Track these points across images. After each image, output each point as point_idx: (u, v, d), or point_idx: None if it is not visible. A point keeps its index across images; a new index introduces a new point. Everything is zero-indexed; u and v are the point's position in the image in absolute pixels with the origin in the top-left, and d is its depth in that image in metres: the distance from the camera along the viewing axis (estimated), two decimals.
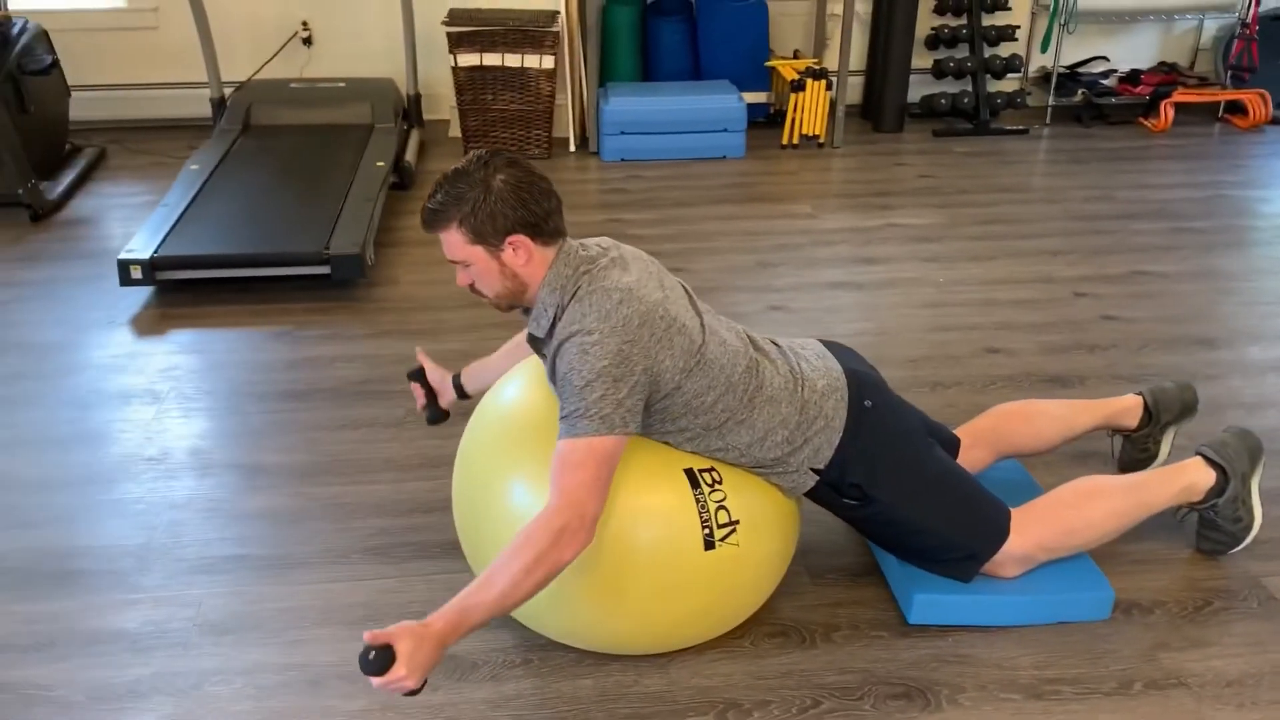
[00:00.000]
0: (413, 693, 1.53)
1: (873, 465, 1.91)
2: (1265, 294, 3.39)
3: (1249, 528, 2.14)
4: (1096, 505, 2.01)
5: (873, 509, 1.93)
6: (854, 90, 5.23)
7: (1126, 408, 2.34)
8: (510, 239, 1.73)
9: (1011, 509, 2.01)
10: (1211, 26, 5.39)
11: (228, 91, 4.63)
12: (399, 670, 1.49)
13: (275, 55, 4.90)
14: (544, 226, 1.75)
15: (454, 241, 1.75)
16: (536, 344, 1.84)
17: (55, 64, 4.34)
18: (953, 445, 2.20)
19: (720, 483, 1.83)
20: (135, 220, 3.89)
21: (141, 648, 1.97)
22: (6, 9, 4.32)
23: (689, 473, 1.82)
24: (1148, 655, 1.94)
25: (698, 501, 1.79)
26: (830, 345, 2.07)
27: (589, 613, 1.80)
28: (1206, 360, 2.98)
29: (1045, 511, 2.00)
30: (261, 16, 4.90)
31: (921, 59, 5.15)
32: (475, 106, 4.61)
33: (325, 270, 3.32)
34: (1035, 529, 1.98)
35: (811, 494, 1.94)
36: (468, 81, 4.57)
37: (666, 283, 1.85)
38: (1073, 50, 5.28)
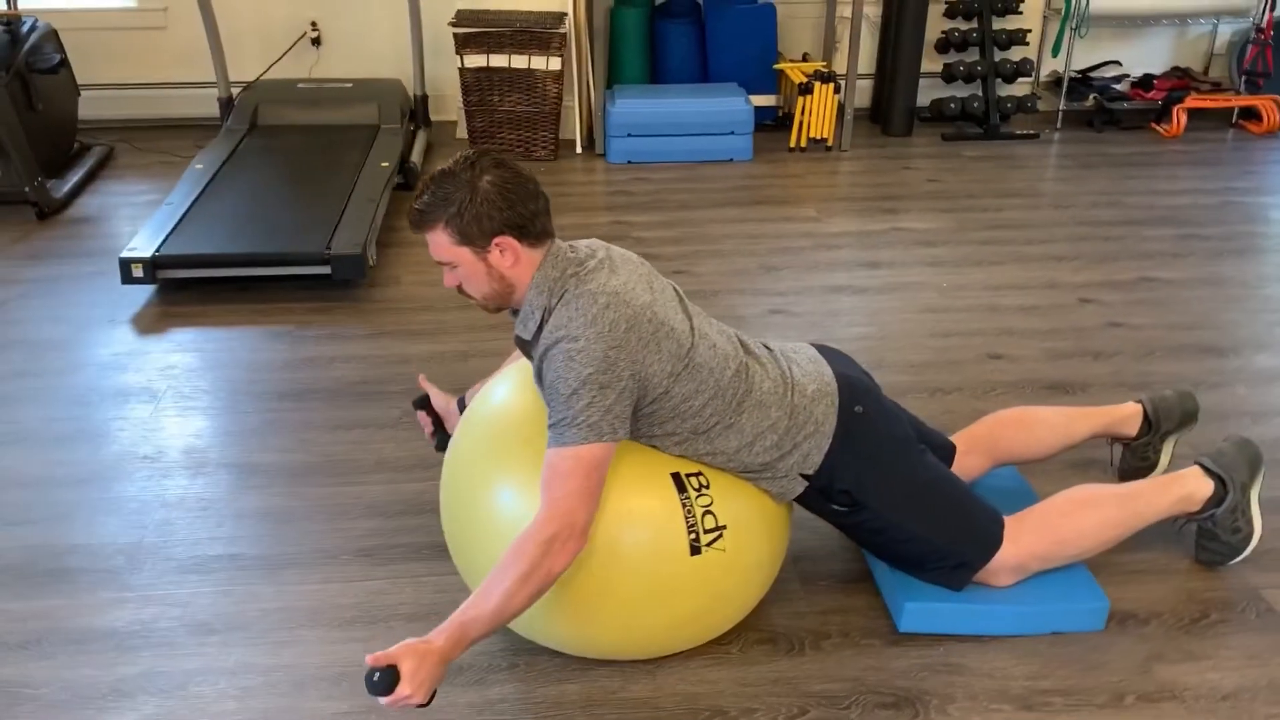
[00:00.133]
0: (423, 705, 1.56)
1: (862, 471, 1.89)
2: (1274, 302, 3.35)
3: (1248, 539, 2.11)
4: (1091, 515, 1.98)
5: (862, 515, 1.91)
6: (863, 94, 5.20)
7: (1126, 416, 2.31)
8: (497, 240, 1.72)
9: (1005, 517, 1.99)
10: (1226, 31, 5.34)
11: (235, 91, 4.64)
12: (404, 689, 1.51)
13: (284, 55, 4.92)
14: (531, 228, 1.74)
15: (440, 243, 1.74)
16: (524, 346, 1.83)
17: (64, 63, 4.36)
18: (948, 452, 2.17)
19: (707, 487, 1.81)
20: (141, 219, 3.90)
21: (128, 647, 1.96)
22: (16, 8, 4.34)
23: (675, 477, 1.80)
24: (1142, 667, 1.92)
25: (684, 506, 1.78)
26: (823, 350, 2.05)
27: (573, 617, 1.79)
28: (1212, 368, 2.95)
29: (1039, 520, 1.98)
30: (271, 17, 4.91)
31: (931, 63, 5.12)
32: (482, 108, 4.61)
33: (326, 270, 3.32)
34: (1028, 538, 1.96)
35: (801, 500, 1.92)
36: (474, 82, 4.56)
37: (656, 285, 1.83)
38: (1084, 54, 5.24)
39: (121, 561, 2.19)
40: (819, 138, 4.78)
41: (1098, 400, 2.73)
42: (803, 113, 4.72)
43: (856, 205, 4.17)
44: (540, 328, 1.75)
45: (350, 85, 4.68)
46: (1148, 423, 2.31)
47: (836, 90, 4.70)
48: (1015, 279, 3.51)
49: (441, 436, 2.23)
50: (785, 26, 5.09)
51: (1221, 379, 2.89)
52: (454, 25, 4.50)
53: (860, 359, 2.91)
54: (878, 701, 1.84)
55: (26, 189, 3.91)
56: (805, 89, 4.67)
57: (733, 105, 4.61)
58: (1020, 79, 5.12)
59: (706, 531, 1.78)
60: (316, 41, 4.97)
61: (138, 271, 3.26)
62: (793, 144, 4.79)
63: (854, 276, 3.53)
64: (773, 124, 5.05)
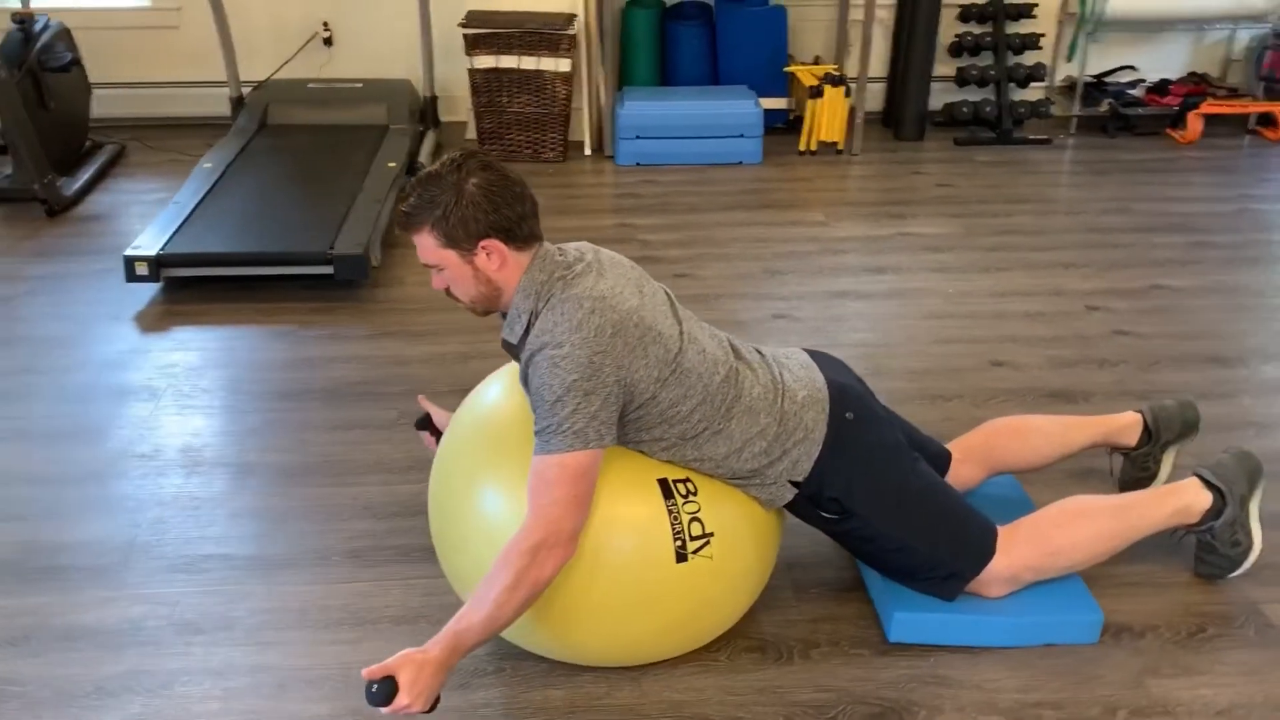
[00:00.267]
0: (426, 713, 1.58)
1: (853, 479, 1.87)
2: None
3: (1248, 552, 2.08)
4: (1085, 526, 1.96)
5: (852, 524, 1.89)
6: (875, 97, 5.17)
7: (1125, 425, 2.28)
8: (483, 243, 1.72)
9: (999, 527, 1.96)
10: (1244, 37, 5.27)
11: (246, 91, 4.65)
12: (402, 699, 1.53)
13: (295, 55, 4.93)
14: (517, 231, 1.73)
15: (427, 245, 1.74)
16: (511, 350, 1.82)
17: (76, 61, 4.38)
18: (943, 460, 2.15)
19: (695, 494, 1.80)
20: (149, 217, 3.90)
21: (115, 645, 1.96)
22: (29, 6, 4.36)
23: (663, 483, 1.79)
24: (1135, 681, 1.89)
25: (670, 513, 1.76)
26: (816, 356, 2.03)
27: (557, 623, 1.78)
28: (1219, 378, 2.91)
29: (1032, 531, 1.96)
30: (284, 17, 4.93)
31: (944, 66, 5.08)
32: (491, 109, 4.61)
33: (329, 270, 3.32)
34: (1021, 549, 1.93)
35: (790, 507, 1.90)
36: (484, 84, 4.56)
37: (646, 289, 1.82)
38: (1100, 59, 5.19)
39: (113, 560, 2.20)
40: (829, 141, 4.75)
41: (1100, 409, 2.70)
42: (813, 116, 4.69)
43: (865, 210, 4.14)
44: (526, 332, 1.74)
45: (360, 85, 4.69)
46: (1147, 432, 2.28)
47: (847, 94, 4.67)
48: (1022, 285, 3.47)
49: None
50: (796, 29, 5.06)
51: (1228, 389, 2.85)
52: (464, 26, 4.50)
53: (861, 365, 2.90)
54: (864, 712, 1.82)
55: (36, 186, 3.93)
56: (816, 92, 4.64)
57: (742, 108, 4.59)
58: (1034, 84, 5.07)
59: (693, 539, 1.77)
60: (328, 41, 4.98)
61: (142, 270, 3.27)
62: (803, 147, 4.77)
63: (859, 281, 3.50)
64: (783, 127, 5.02)
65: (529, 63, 4.50)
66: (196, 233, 3.46)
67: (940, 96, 5.10)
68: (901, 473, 1.92)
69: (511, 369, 1.97)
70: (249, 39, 4.85)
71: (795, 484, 1.86)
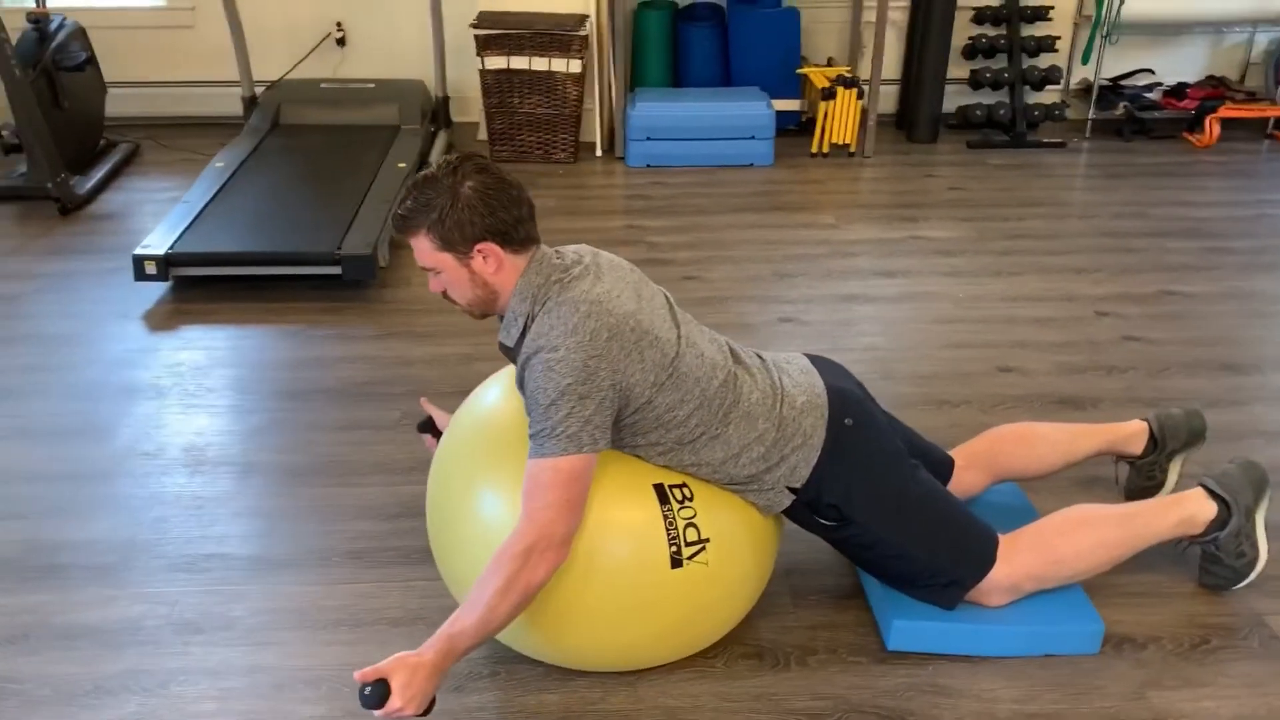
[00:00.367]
0: (422, 716, 1.57)
1: (851, 485, 1.86)
2: None
3: (1253, 563, 2.05)
4: (1088, 535, 1.94)
5: (850, 531, 1.88)
6: (888, 99, 5.14)
7: (1131, 433, 2.26)
8: (479, 247, 1.71)
9: (1000, 535, 1.94)
10: (1263, 39, 5.22)
11: (260, 90, 4.67)
12: (395, 702, 1.53)
13: (308, 55, 4.95)
14: (513, 234, 1.72)
15: (423, 248, 1.74)
16: (508, 353, 1.82)
17: (91, 60, 4.41)
18: (946, 467, 2.14)
19: (691, 499, 1.79)
20: (161, 216, 3.92)
21: (114, 644, 1.97)
22: (45, 6, 4.39)
23: (658, 488, 1.78)
24: (1136, 693, 1.87)
25: (665, 518, 1.75)
26: (817, 361, 2.02)
27: (551, 626, 1.77)
28: (1230, 385, 2.88)
29: (1034, 540, 1.94)
30: (297, 17, 4.95)
31: (958, 69, 5.05)
32: (502, 109, 4.61)
33: (337, 270, 3.33)
34: (1023, 557, 1.92)
35: (788, 513, 1.89)
36: (495, 84, 4.56)
37: (644, 293, 1.81)
38: (1115, 62, 5.14)
39: (114, 559, 2.20)
40: (842, 143, 4.73)
41: (1108, 416, 2.67)
42: (825, 118, 4.68)
43: (876, 212, 4.12)
44: (523, 335, 1.74)
45: (372, 86, 4.70)
46: (1153, 441, 2.26)
47: (860, 96, 4.65)
48: (1033, 290, 3.45)
49: None
50: (809, 30, 5.05)
51: (1239, 396, 2.82)
52: (475, 27, 4.50)
53: (869, 369, 2.89)
54: None
55: (49, 185, 3.96)
56: (828, 94, 4.62)
57: (754, 110, 4.57)
58: (1049, 86, 5.03)
59: (688, 544, 1.76)
60: (341, 42, 4.99)
61: (151, 268, 3.28)
62: (815, 150, 4.75)
63: (868, 285, 3.49)
64: (795, 129, 5.01)
65: (540, 63, 4.50)
66: (205, 232, 3.48)
67: (954, 99, 5.07)
68: (901, 479, 1.90)
69: (510, 372, 1.96)
70: (262, 39, 4.87)
71: (793, 490, 1.85)
